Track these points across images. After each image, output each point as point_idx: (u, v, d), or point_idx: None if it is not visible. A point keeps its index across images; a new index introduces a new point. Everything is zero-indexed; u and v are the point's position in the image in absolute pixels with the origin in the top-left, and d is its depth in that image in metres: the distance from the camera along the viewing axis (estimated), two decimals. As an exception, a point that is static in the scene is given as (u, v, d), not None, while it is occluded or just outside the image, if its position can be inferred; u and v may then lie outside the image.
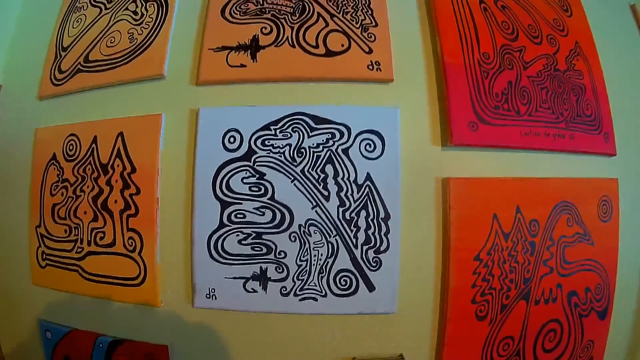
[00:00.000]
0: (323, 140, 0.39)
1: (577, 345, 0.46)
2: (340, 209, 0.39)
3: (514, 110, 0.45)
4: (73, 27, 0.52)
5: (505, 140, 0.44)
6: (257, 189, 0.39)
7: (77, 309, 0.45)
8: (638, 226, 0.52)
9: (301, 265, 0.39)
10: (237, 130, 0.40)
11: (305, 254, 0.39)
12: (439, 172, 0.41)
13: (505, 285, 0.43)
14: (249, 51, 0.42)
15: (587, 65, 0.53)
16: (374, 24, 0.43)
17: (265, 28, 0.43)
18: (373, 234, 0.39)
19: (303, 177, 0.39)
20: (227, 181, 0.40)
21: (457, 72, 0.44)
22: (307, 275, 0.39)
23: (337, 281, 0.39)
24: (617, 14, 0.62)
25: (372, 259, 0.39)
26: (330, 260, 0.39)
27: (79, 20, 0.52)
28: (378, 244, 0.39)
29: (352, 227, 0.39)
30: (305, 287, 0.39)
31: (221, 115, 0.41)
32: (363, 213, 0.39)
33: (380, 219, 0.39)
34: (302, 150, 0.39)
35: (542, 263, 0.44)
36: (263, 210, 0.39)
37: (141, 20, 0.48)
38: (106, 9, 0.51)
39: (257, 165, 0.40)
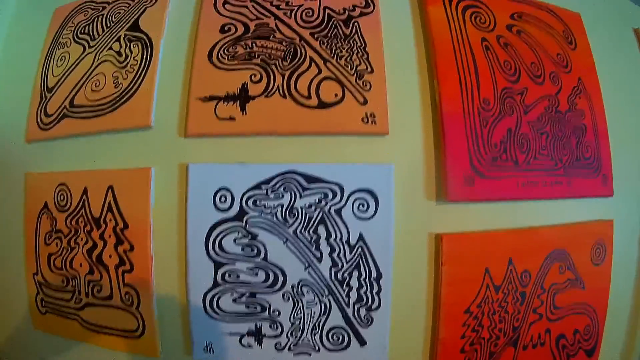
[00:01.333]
0: (315, 201, 0.38)
1: (562, 385, 0.47)
2: (333, 270, 0.38)
3: (512, 160, 0.43)
4: (57, 66, 0.48)
5: (502, 193, 0.42)
6: (250, 250, 0.38)
7: (78, 354, 0.46)
8: (630, 265, 0.51)
9: (295, 322, 0.39)
10: (228, 190, 0.38)
11: (299, 312, 0.39)
12: (432, 228, 0.40)
13: (494, 335, 0.43)
14: (238, 102, 0.39)
15: (589, 103, 0.50)
16: (369, 69, 0.40)
17: (255, 75, 0.40)
18: (365, 292, 0.39)
19: (295, 239, 0.38)
20: (220, 241, 0.39)
21: (455, 122, 0.41)
22: (300, 332, 0.39)
23: (330, 337, 0.39)
24: (621, 40, 0.58)
25: (364, 316, 0.39)
26: (323, 318, 0.39)
27: (63, 58, 0.48)
28: (370, 302, 0.39)
29: (344, 287, 0.38)
30: (299, 342, 0.39)
31: (211, 173, 0.39)
32: (355, 273, 0.38)
33: (372, 279, 0.38)
34: (295, 210, 0.38)
35: (531, 311, 0.44)
36: (256, 270, 0.38)
37: (126, 62, 0.44)
38: (90, 47, 0.47)
39: (249, 227, 0.38)
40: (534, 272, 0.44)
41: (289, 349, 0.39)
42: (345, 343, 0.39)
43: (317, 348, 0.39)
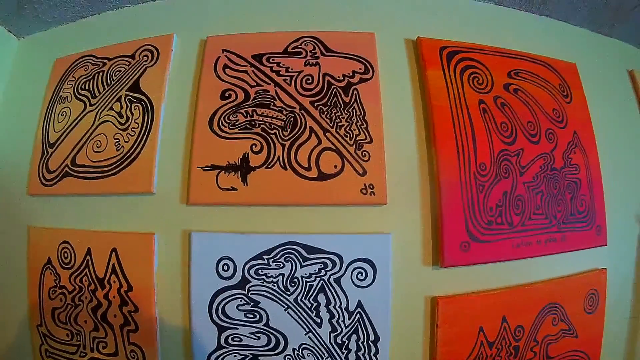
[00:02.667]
0: (315, 270, 0.40)
1: None
2: (332, 334, 0.40)
3: (507, 222, 0.45)
4: (58, 122, 0.49)
5: (497, 255, 0.44)
6: (252, 316, 0.40)
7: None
8: (624, 310, 0.53)
9: (296, 383, 0.41)
10: (230, 259, 0.40)
11: (300, 374, 0.41)
12: (428, 292, 0.42)
13: (487, 389, 0.46)
14: (239, 172, 0.41)
15: (584, 157, 0.52)
16: (368, 139, 0.42)
17: (256, 145, 0.41)
18: (363, 354, 0.41)
19: (296, 306, 0.40)
20: (223, 307, 0.40)
21: (452, 190, 0.43)
22: (301, 393, 0.41)
23: (330, 396, 0.42)
24: (616, 83, 0.60)
25: (363, 377, 0.41)
26: (323, 380, 0.41)
27: (64, 113, 0.50)
28: (368, 364, 0.41)
29: (343, 350, 0.41)
30: (300, 402, 0.42)
31: (214, 242, 0.40)
32: (354, 337, 0.40)
33: (370, 342, 0.41)
34: (295, 280, 0.40)
35: (524, 363, 0.47)
36: (259, 335, 0.40)
37: (127, 125, 0.46)
38: (91, 105, 0.48)
39: (251, 294, 0.40)
40: (527, 326, 0.46)
41: (291, 407, 0.42)
42: (344, 402, 0.42)
43: (317, 407, 0.42)
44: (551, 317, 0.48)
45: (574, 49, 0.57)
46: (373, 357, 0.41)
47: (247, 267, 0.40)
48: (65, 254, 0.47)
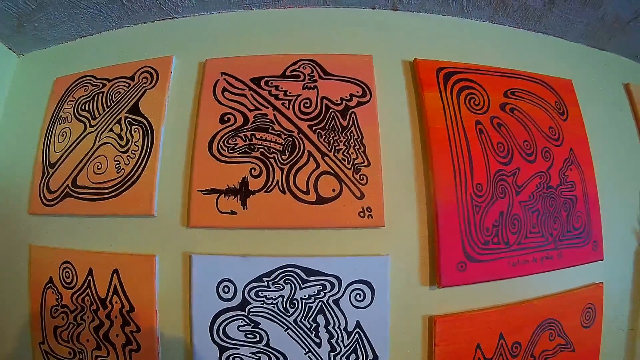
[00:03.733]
0: (315, 292, 0.41)
1: None
2: (332, 354, 0.42)
3: (503, 242, 0.46)
4: (59, 142, 0.51)
5: (494, 274, 0.46)
6: (252, 337, 0.42)
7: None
8: (622, 323, 0.55)
9: (296, 403, 0.43)
10: (230, 281, 0.41)
11: (300, 393, 0.42)
12: (426, 311, 0.44)
13: (484, 405, 0.47)
14: (239, 196, 0.42)
15: (579, 173, 0.53)
16: (366, 163, 0.43)
17: (255, 169, 0.43)
18: (362, 374, 0.42)
19: (296, 327, 0.41)
20: (224, 328, 0.42)
21: (449, 211, 0.44)
22: (301, 411, 0.43)
23: (329, 414, 0.43)
24: (612, 97, 0.61)
25: (362, 396, 0.43)
26: (323, 398, 0.43)
27: (64, 134, 0.51)
28: (367, 383, 0.42)
29: (342, 370, 0.42)
30: (300, 420, 0.43)
31: (214, 264, 0.42)
32: (353, 356, 0.42)
33: (369, 361, 0.42)
34: (295, 301, 0.41)
35: (521, 380, 0.48)
36: (259, 355, 0.42)
37: (127, 147, 0.47)
38: (91, 126, 0.50)
39: (251, 315, 0.41)
40: (524, 342, 0.47)
41: None
42: (343, 420, 0.43)
43: None
44: (548, 333, 0.49)
45: (570, 65, 0.59)
46: (372, 376, 0.43)
47: (247, 289, 0.42)
48: (67, 274, 0.48)
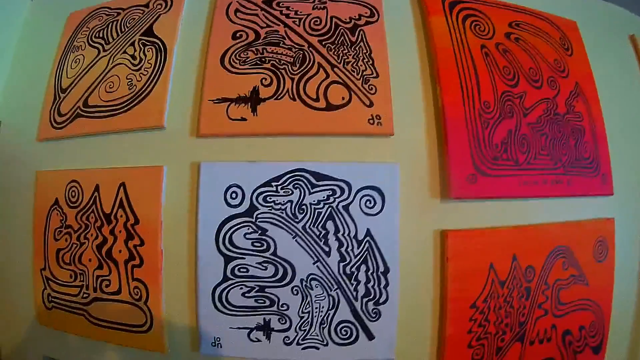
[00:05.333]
0: (324, 197, 0.42)
1: (570, 382, 0.50)
2: (341, 264, 0.42)
3: (512, 159, 0.47)
4: (71, 68, 0.53)
5: (504, 191, 0.46)
6: (259, 245, 0.42)
7: (82, 350, 0.49)
8: (633, 262, 0.55)
9: (303, 317, 0.42)
10: (238, 186, 0.42)
11: (307, 306, 0.42)
12: (437, 225, 0.44)
13: (501, 330, 0.46)
14: (249, 104, 0.44)
15: (586, 107, 0.55)
16: (374, 74, 0.45)
17: (266, 79, 0.45)
18: (372, 286, 0.42)
19: (304, 234, 0.42)
20: (230, 236, 0.42)
21: (457, 125, 0.46)
22: (309, 326, 0.42)
23: (338, 331, 0.42)
24: (617, 46, 0.64)
25: (372, 310, 0.42)
26: (332, 312, 0.42)
27: (77, 61, 0.53)
28: (377, 296, 0.42)
29: (352, 281, 0.42)
30: (308, 336, 0.42)
31: (222, 171, 0.43)
32: (363, 267, 0.42)
33: (379, 273, 0.42)
34: (304, 207, 0.42)
35: (537, 306, 0.48)
36: (266, 265, 0.42)
37: (140, 65, 0.49)
38: (104, 50, 0.52)
39: (259, 222, 0.42)
40: (538, 268, 0.47)
41: (297, 343, 0.42)
42: (353, 337, 0.42)
43: (325, 342, 0.42)
44: (561, 261, 0.49)
45: (575, 9, 0.62)
46: (383, 290, 0.42)
47: (255, 194, 0.42)
48: (73, 193, 0.49)
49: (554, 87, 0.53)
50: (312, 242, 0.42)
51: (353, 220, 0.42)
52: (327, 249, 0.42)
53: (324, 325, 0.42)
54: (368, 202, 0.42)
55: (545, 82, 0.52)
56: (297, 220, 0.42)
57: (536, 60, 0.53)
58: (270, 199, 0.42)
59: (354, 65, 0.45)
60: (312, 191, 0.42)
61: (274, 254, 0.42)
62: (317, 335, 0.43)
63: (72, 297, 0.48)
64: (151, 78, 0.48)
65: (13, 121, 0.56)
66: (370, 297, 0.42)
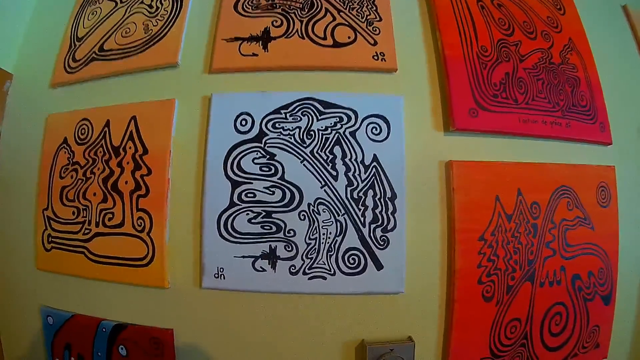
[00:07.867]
0: (331, 124, 0.45)
1: (583, 330, 0.50)
2: (349, 189, 0.44)
3: (511, 98, 0.51)
4: (88, 19, 0.58)
5: (505, 127, 0.50)
6: (267, 169, 0.44)
7: (80, 293, 0.49)
8: (637, 213, 0.57)
9: (310, 243, 0.43)
10: (248, 114, 0.45)
11: (315, 232, 0.43)
12: (442, 156, 0.47)
13: (510, 267, 0.47)
14: (261, 41, 0.49)
15: (581, 61, 0.60)
16: (378, 18, 0.50)
17: (276, 21, 0.50)
18: (380, 212, 0.44)
19: (312, 158, 0.44)
20: (239, 161, 0.45)
21: (457, 64, 0.50)
22: (316, 254, 0.43)
23: (346, 260, 0.43)
24: (610, 14, 0.70)
25: (380, 237, 0.44)
26: (339, 239, 0.43)
27: (94, 12, 0.59)
28: (385, 223, 0.44)
29: (359, 206, 0.44)
30: (314, 265, 0.43)
31: (233, 100, 0.46)
32: (370, 192, 0.44)
33: (387, 198, 0.44)
34: (312, 132, 0.45)
35: (544, 245, 0.49)
36: (273, 189, 0.44)
37: (156, 12, 0.54)
38: (121, 2, 0.58)
39: (267, 147, 0.45)
40: (543, 204, 0.49)
41: (304, 272, 0.43)
42: (361, 266, 0.43)
43: (332, 272, 0.43)
44: (565, 201, 0.51)
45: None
46: (390, 216, 0.44)
47: (264, 121, 0.45)
48: (83, 130, 0.52)
49: (548, 39, 0.58)
50: (320, 166, 0.44)
51: (360, 145, 0.45)
52: (334, 173, 0.44)
53: (331, 253, 0.43)
54: (374, 129, 0.45)
55: (539, 34, 0.58)
56: (305, 145, 0.44)
57: (529, 15, 0.59)
58: (279, 125, 0.45)
59: (359, 10, 0.51)
60: (319, 118, 0.45)
61: (282, 178, 0.44)
62: (324, 264, 0.43)
63: (72, 235, 0.49)
64: (167, 23, 0.53)
65: (28, 70, 0.60)
66: (379, 224, 0.44)
